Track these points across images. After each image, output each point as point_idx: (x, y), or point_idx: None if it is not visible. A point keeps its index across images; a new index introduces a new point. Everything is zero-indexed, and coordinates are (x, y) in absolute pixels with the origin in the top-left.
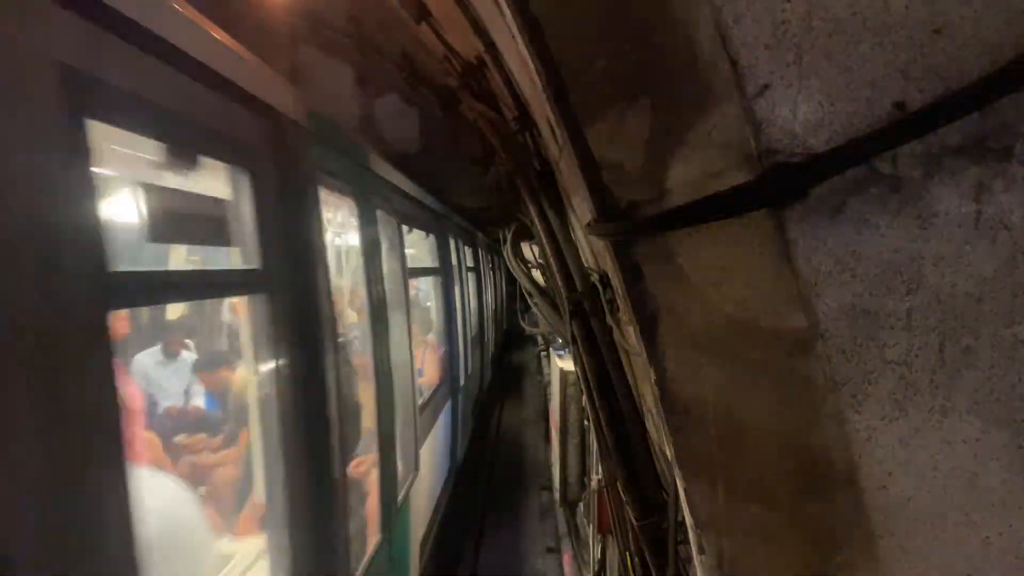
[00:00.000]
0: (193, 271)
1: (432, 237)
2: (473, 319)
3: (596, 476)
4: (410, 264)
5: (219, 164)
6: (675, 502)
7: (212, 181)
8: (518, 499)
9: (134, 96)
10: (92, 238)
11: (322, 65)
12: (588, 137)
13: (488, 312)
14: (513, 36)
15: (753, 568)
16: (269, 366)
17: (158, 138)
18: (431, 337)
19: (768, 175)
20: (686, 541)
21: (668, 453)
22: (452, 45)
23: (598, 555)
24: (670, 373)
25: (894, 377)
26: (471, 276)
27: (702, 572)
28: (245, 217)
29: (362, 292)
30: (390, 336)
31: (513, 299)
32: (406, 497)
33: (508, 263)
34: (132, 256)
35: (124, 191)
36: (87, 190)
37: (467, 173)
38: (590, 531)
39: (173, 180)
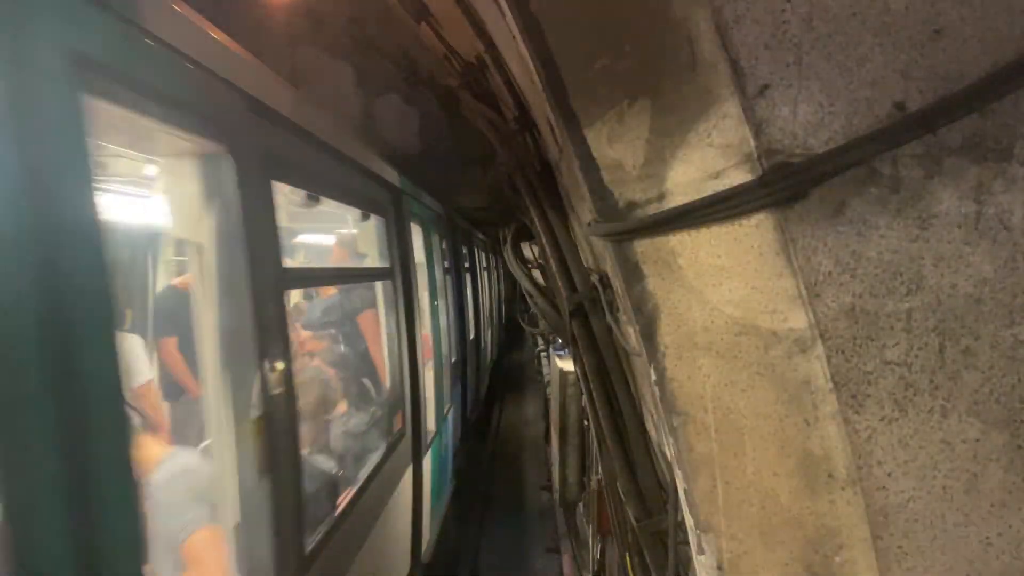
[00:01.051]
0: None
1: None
2: (436, 373)
3: (596, 476)
4: None
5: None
6: (675, 502)
7: None
8: (518, 499)
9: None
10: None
11: (322, 65)
12: (588, 137)
13: (468, 342)
14: (513, 36)
15: (753, 568)
16: None
17: None
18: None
19: (768, 175)
20: (686, 541)
21: (668, 453)
22: (452, 45)
23: (598, 555)
24: (670, 373)
25: (894, 377)
26: (427, 280)
27: (702, 572)
28: None
29: None
30: None
31: (512, 299)
32: None
33: (508, 263)
34: None
35: None
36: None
37: (467, 173)
38: (590, 531)
39: None
